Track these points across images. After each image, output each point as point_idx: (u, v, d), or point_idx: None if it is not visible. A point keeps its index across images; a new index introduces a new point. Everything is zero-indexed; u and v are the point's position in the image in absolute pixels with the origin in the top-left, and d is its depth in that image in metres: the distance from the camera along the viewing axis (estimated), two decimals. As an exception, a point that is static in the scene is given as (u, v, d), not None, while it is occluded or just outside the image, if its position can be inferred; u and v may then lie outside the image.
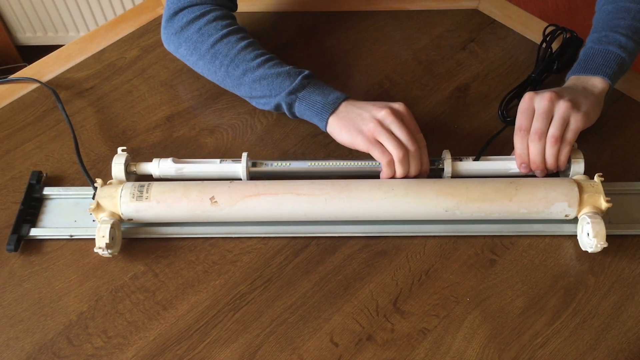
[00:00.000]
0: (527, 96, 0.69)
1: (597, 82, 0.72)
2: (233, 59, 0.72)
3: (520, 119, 0.69)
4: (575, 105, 0.67)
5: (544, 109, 0.67)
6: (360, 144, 0.67)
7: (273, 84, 0.71)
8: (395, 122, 0.66)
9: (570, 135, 0.67)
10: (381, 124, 0.66)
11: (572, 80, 0.73)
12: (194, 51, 0.74)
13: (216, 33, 0.73)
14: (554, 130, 0.67)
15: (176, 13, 0.75)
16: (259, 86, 0.72)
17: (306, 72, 0.72)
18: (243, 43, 0.73)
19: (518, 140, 0.69)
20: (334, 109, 0.69)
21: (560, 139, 0.67)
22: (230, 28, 0.74)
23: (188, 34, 0.74)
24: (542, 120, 0.67)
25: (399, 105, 0.68)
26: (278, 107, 0.73)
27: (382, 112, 0.67)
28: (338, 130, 0.69)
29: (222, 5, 0.77)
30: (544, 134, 0.67)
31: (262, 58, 0.72)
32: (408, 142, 0.66)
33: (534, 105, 0.68)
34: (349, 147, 0.69)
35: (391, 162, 0.66)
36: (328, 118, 0.69)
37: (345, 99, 0.70)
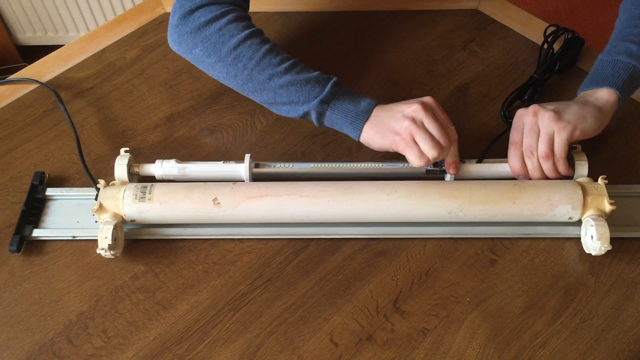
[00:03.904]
0: (517, 113, 0.70)
1: (603, 94, 0.70)
2: (258, 62, 0.69)
3: (512, 134, 0.70)
4: (558, 116, 0.66)
5: (529, 124, 0.68)
6: (399, 145, 0.66)
7: (301, 91, 0.68)
8: (427, 116, 0.65)
9: (559, 148, 0.67)
10: (414, 120, 0.65)
11: (580, 95, 0.72)
12: (213, 52, 0.70)
13: (238, 34, 0.70)
14: (541, 147, 0.67)
15: (192, 11, 0.70)
16: (285, 92, 0.69)
17: (334, 78, 0.69)
18: (267, 46, 0.70)
19: (511, 155, 0.69)
20: (367, 117, 0.68)
21: (551, 153, 0.67)
22: (252, 30, 0.71)
23: (206, 34, 0.70)
24: (530, 136, 0.67)
25: (428, 99, 0.67)
26: (305, 115, 0.70)
27: (412, 107, 0.66)
28: (373, 137, 0.67)
29: (238, 5, 0.74)
30: (534, 149, 0.67)
31: (289, 63, 0.69)
32: (441, 138, 0.65)
33: (523, 120, 0.69)
34: (385, 152, 0.68)
35: (427, 163, 0.66)
36: (362, 127, 0.68)
37: (376, 105, 0.69)
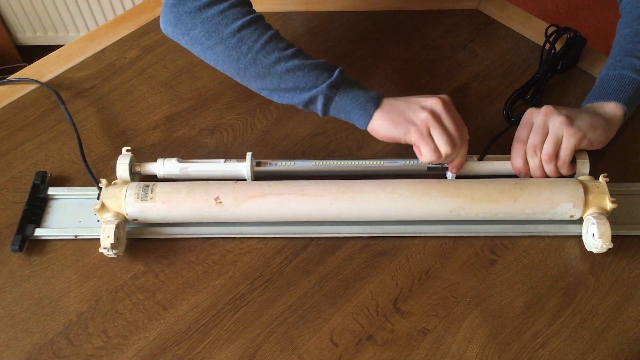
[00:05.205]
0: (528, 111, 0.70)
1: (610, 108, 0.70)
2: (264, 45, 0.67)
3: (519, 131, 0.70)
4: (569, 121, 0.66)
5: (539, 123, 0.68)
6: (413, 136, 0.65)
7: (309, 76, 0.67)
8: (445, 111, 0.65)
9: (565, 153, 0.66)
10: (433, 113, 0.64)
11: (586, 107, 0.72)
12: (214, 34, 0.67)
13: (242, 17, 0.67)
14: (547, 147, 0.66)
15: None
16: (292, 77, 0.67)
17: (340, 67, 0.68)
18: (272, 31, 0.68)
19: (514, 152, 0.69)
20: (378, 103, 0.66)
21: (555, 155, 0.67)
22: (255, 15, 0.69)
23: (207, 15, 0.67)
24: (537, 135, 0.67)
25: (445, 96, 0.67)
26: (310, 102, 0.68)
27: (431, 100, 0.65)
28: (386, 126, 0.66)
29: None
30: (538, 149, 0.67)
31: (294, 49, 0.68)
32: (456, 136, 0.65)
33: (533, 119, 0.69)
34: (394, 142, 0.67)
35: (438, 159, 0.65)
36: (373, 113, 0.66)
37: (384, 96, 0.68)
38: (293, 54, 0.68)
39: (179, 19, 0.68)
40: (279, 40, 0.68)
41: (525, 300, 0.63)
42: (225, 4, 0.68)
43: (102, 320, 0.62)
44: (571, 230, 0.67)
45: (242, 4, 0.69)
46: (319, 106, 0.68)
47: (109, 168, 0.75)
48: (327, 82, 0.67)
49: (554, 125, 0.66)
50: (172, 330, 0.62)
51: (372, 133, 0.68)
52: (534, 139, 0.67)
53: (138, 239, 0.68)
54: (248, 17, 0.68)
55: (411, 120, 0.65)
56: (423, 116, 0.64)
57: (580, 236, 0.67)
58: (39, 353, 0.60)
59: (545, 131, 0.67)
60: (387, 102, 0.67)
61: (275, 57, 0.67)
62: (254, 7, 0.71)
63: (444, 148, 0.64)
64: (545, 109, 0.68)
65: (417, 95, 0.68)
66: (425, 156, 0.65)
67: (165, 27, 0.71)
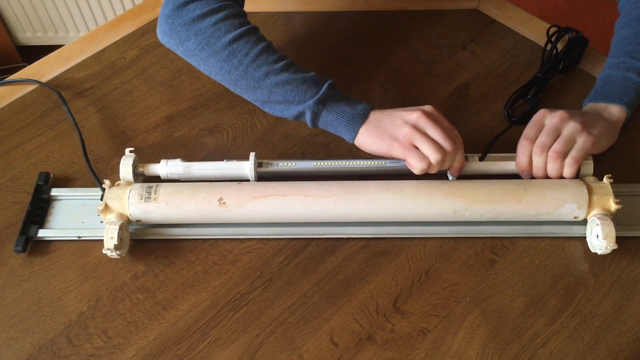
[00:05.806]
0: (541, 111, 0.70)
1: (615, 111, 0.71)
2: (254, 59, 0.68)
3: (527, 129, 0.69)
4: (585, 127, 0.67)
5: (552, 125, 0.67)
6: (397, 151, 0.65)
7: (297, 90, 0.68)
8: (429, 123, 0.65)
9: (576, 153, 0.66)
10: (415, 127, 0.65)
11: (589, 107, 0.73)
12: (207, 46, 0.68)
13: (234, 30, 0.68)
14: (556, 145, 0.66)
15: (187, 3, 0.69)
16: (281, 90, 0.68)
17: (330, 80, 0.69)
18: (263, 44, 0.69)
19: (520, 149, 0.69)
20: (364, 119, 0.67)
21: (563, 155, 0.66)
22: (248, 27, 0.70)
23: (201, 27, 0.68)
24: (548, 136, 0.67)
25: (428, 107, 0.67)
26: (299, 116, 0.69)
27: (414, 115, 0.66)
28: (370, 141, 0.67)
29: (234, 1, 0.73)
30: (546, 148, 0.67)
31: (285, 62, 0.69)
32: (445, 142, 0.65)
33: (545, 120, 0.69)
34: (382, 156, 0.68)
35: (429, 167, 0.65)
36: (359, 129, 0.67)
37: (372, 109, 0.68)
38: (283, 68, 0.68)
39: (174, 30, 0.70)
40: (269, 54, 0.69)
41: (525, 300, 0.63)
42: (219, 16, 0.69)
43: (102, 320, 0.62)
44: (575, 231, 0.67)
45: (236, 15, 0.70)
46: (307, 120, 0.69)
47: (109, 168, 0.75)
48: (314, 98, 0.68)
49: (569, 129, 0.67)
50: (172, 330, 0.62)
51: (359, 147, 0.69)
52: (544, 138, 0.67)
53: (137, 240, 0.68)
54: (240, 30, 0.69)
55: (394, 136, 0.65)
56: (405, 131, 0.65)
57: (583, 237, 0.67)
58: (39, 353, 0.60)
59: (558, 134, 0.67)
60: (373, 118, 0.67)
61: (265, 71, 0.68)
62: (254, 8, 0.71)
63: (432, 156, 0.64)
64: (562, 114, 0.68)
65: (403, 108, 0.68)
66: (414, 166, 0.65)
67: (161, 37, 0.72)
